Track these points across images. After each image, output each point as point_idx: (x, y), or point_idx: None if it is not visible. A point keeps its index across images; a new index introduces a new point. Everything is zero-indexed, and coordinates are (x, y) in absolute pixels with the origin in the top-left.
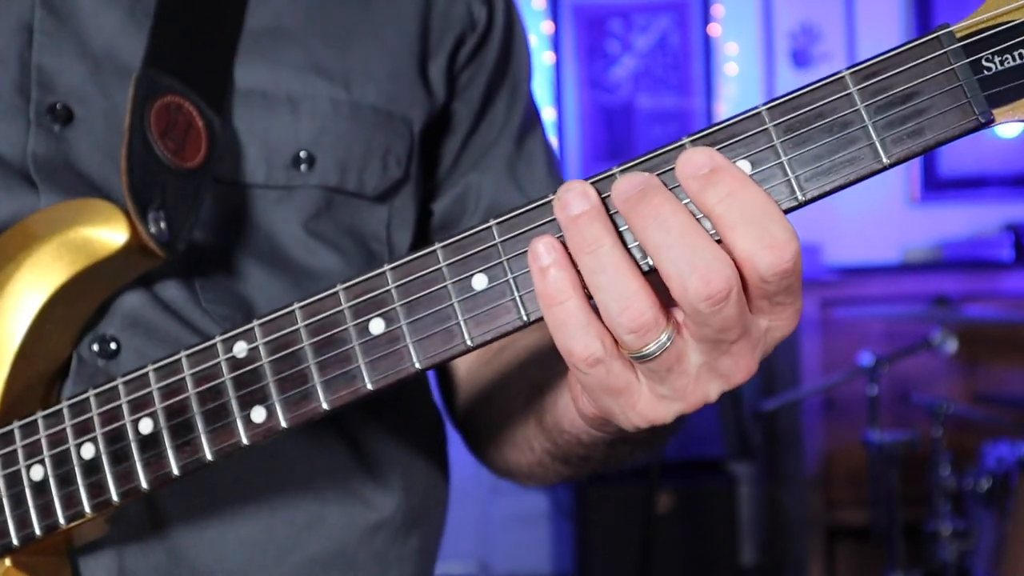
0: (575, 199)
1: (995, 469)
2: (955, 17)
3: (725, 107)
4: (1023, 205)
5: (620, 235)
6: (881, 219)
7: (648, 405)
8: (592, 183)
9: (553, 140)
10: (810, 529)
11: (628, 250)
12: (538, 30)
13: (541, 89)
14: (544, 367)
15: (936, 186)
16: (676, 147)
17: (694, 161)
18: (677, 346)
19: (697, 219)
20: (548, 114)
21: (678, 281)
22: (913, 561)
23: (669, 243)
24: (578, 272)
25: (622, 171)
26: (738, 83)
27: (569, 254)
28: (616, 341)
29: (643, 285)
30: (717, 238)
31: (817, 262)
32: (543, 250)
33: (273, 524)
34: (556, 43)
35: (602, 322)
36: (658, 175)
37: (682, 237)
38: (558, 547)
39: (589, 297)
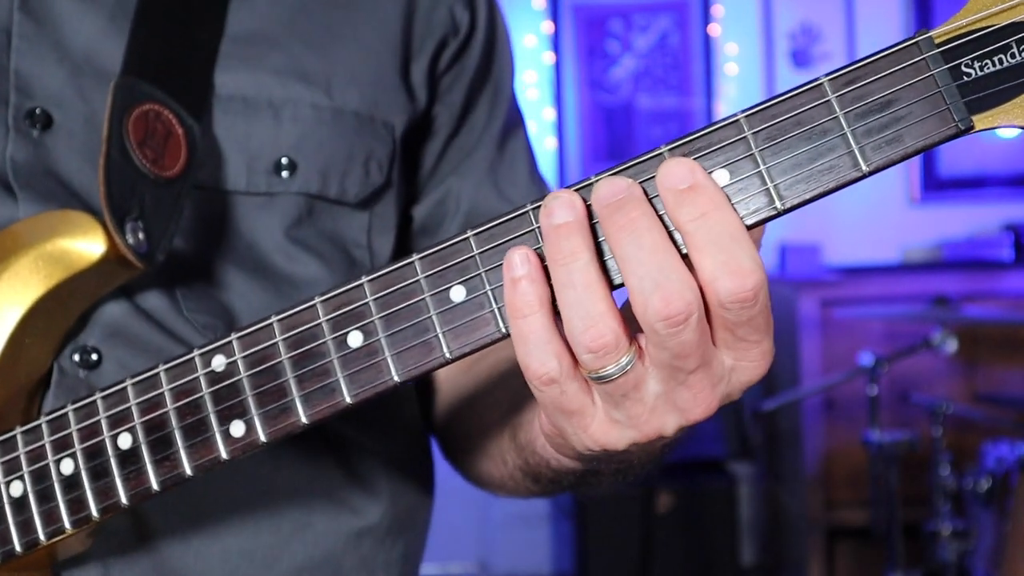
0: (560, 208)
1: (995, 469)
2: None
3: (725, 107)
4: (1023, 205)
5: (599, 250)
6: (881, 219)
7: (601, 428)
8: (578, 190)
9: (553, 140)
10: (810, 529)
11: (604, 268)
12: (538, 30)
13: (541, 89)
14: (523, 382)
15: (936, 186)
16: (655, 155)
17: (674, 174)
18: (636, 371)
19: (671, 236)
20: (548, 114)
21: (640, 297)
22: (913, 561)
23: (640, 258)
24: (551, 287)
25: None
26: (738, 83)
27: (544, 268)
28: (576, 362)
29: (610, 307)
30: (684, 252)
31: (817, 262)
32: (518, 261)
33: (259, 533)
34: (556, 43)
35: (564, 342)
36: (640, 182)
37: (652, 254)
38: (558, 547)
39: (558, 315)
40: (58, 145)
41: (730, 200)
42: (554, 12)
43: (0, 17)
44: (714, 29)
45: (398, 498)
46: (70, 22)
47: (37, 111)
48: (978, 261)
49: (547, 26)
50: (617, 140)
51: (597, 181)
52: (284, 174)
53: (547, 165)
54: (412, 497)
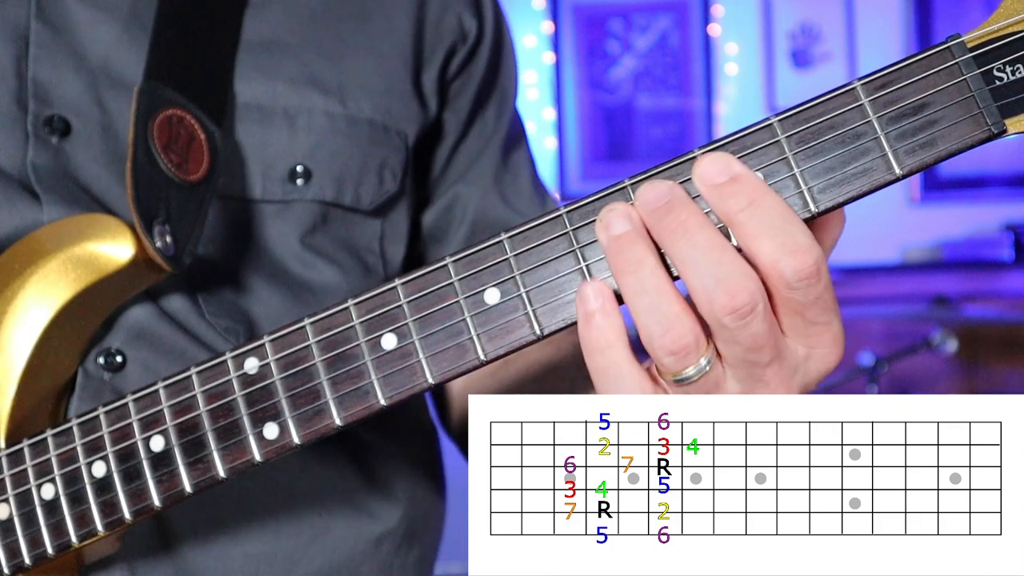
0: (617, 219)
1: None
2: (955, 17)
3: (725, 107)
4: (1023, 205)
5: (661, 256)
6: (881, 219)
7: None
8: (610, 194)
9: (553, 140)
10: None
11: (669, 272)
12: (538, 30)
13: (541, 89)
14: (558, 381)
15: (936, 186)
16: (688, 159)
17: (713, 169)
18: (716, 371)
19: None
20: (548, 114)
21: (704, 295)
22: None
23: (697, 257)
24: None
25: (636, 183)
26: (738, 83)
27: (617, 299)
28: (656, 383)
29: (685, 308)
30: (736, 246)
31: None
32: (591, 295)
33: (279, 538)
34: (556, 43)
35: (644, 372)
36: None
37: (708, 252)
38: None
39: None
40: (77, 152)
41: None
42: (554, 12)
43: (18, 25)
44: (714, 29)
45: (415, 502)
46: (86, 31)
47: (55, 119)
48: (978, 261)
49: (547, 26)
50: (617, 140)
51: (633, 184)
52: (299, 182)
53: (547, 165)
54: (427, 501)
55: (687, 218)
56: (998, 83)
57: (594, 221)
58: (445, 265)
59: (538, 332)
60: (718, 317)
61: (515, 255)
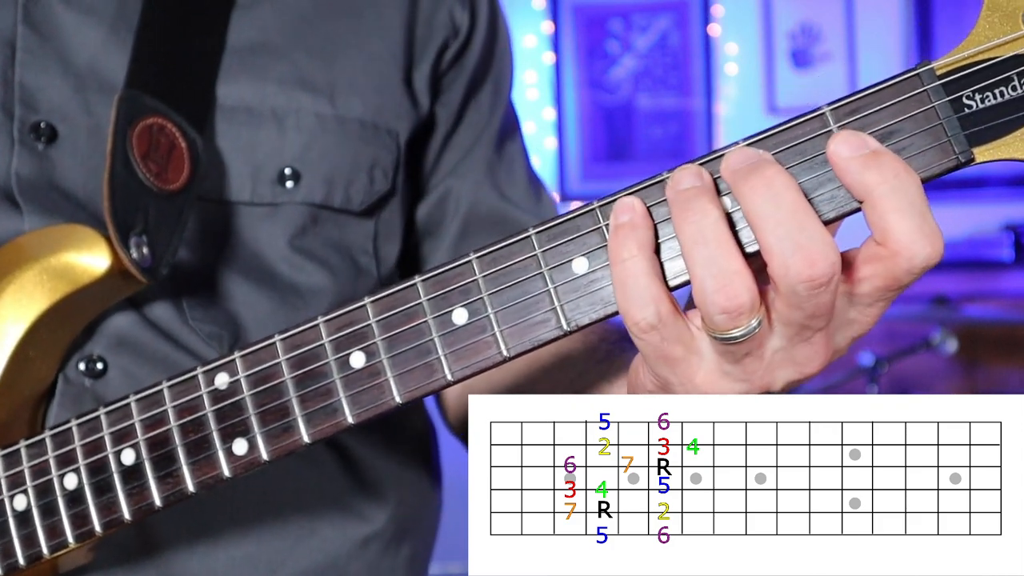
0: (687, 176)
1: None
2: (954, 17)
3: (725, 107)
4: (1023, 205)
5: (729, 216)
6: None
7: (708, 379)
8: (576, 216)
9: (553, 140)
10: None
11: (735, 232)
12: (538, 30)
13: (541, 89)
14: (568, 370)
15: (936, 186)
16: (659, 180)
17: (854, 141)
18: (762, 333)
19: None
20: (548, 114)
21: (780, 259)
22: None
23: (779, 218)
24: (656, 238)
25: (605, 205)
26: (738, 83)
27: (650, 216)
28: (675, 308)
29: (744, 266)
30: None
31: None
32: (621, 208)
33: (264, 539)
34: (556, 43)
35: (663, 287)
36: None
37: (793, 214)
38: None
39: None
40: (63, 158)
41: None
42: (554, 12)
43: (4, 30)
44: (714, 29)
45: (403, 503)
46: (73, 35)
47: (42, 124)
48: (978, 261)
49: (547, 26)
50: (617, 140)
51: (603, 205)
52: (288, 184)
53: (547, 165)
54: (418, 500)
55: (774, 175)
56: (967, 111)
57: (560, 244)
58: (414, 284)
59: (505, 353)
60: (791, 283)
61: (483, 276)
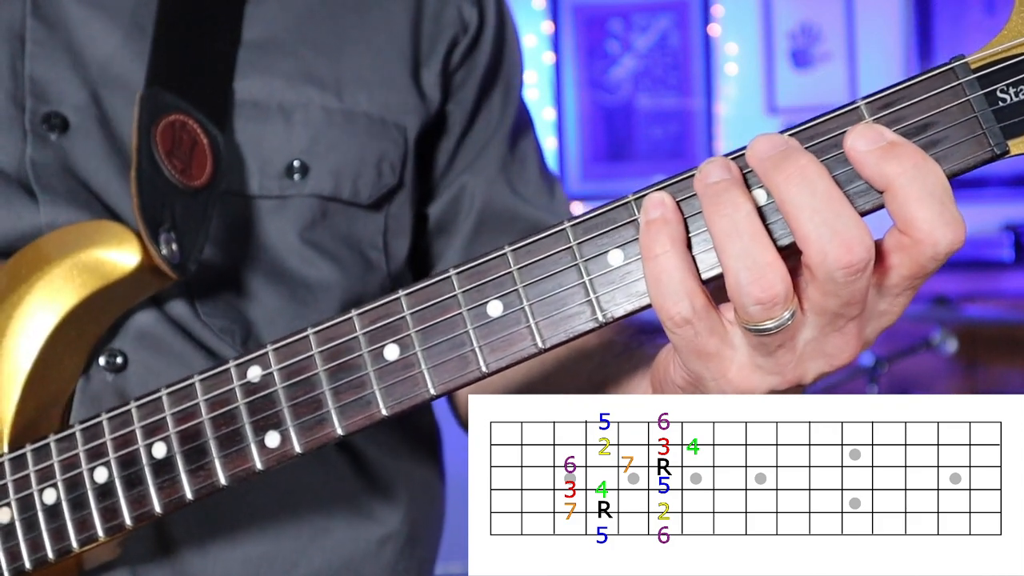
0: (716, 169)
1: None
2: (954, 18)
3: (725, 107)
4: (1023, 205)
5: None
6: (881, 219)
7: (741, 374)
8: (610, 209)
9: (553, 140)
10: None
11: (767, 224)
12: (538, 30)
13: (541, 89)
14: (585, 362)
15: None
16: (688, 175)
17: (871, 133)
18: (795, 324)
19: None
20: (548, 114)
21: (817, 246)
22: None
23: (815, 206)
24: (687, 232)
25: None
26: (738, 83)
27: (680, 211)
28: (710, 302)
29: (778, 258)
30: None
31: None
32: (651, 204)
33: (279, 539)
34: (556, 43)
35: (697, 281)
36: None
37: (828, 201)
38: None
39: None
40: (75, 148)
41: None
42: (554, 12)
43: (13, 23)
44: (714, 29)
45: (415, 504)
46: (82, 27)
47: (53, 115)
48: (978, 261)
49: (547, 26)
50: (617, 140)
51: (637, 199)
52: (296, 177)
53: None
54: (428, 502)
55: (807, 164)
56: (1001, 104)
57: (595, 236)
58: (448, 277)
59: (540, 345)
60: (829, 270)
61: (518, 268)
